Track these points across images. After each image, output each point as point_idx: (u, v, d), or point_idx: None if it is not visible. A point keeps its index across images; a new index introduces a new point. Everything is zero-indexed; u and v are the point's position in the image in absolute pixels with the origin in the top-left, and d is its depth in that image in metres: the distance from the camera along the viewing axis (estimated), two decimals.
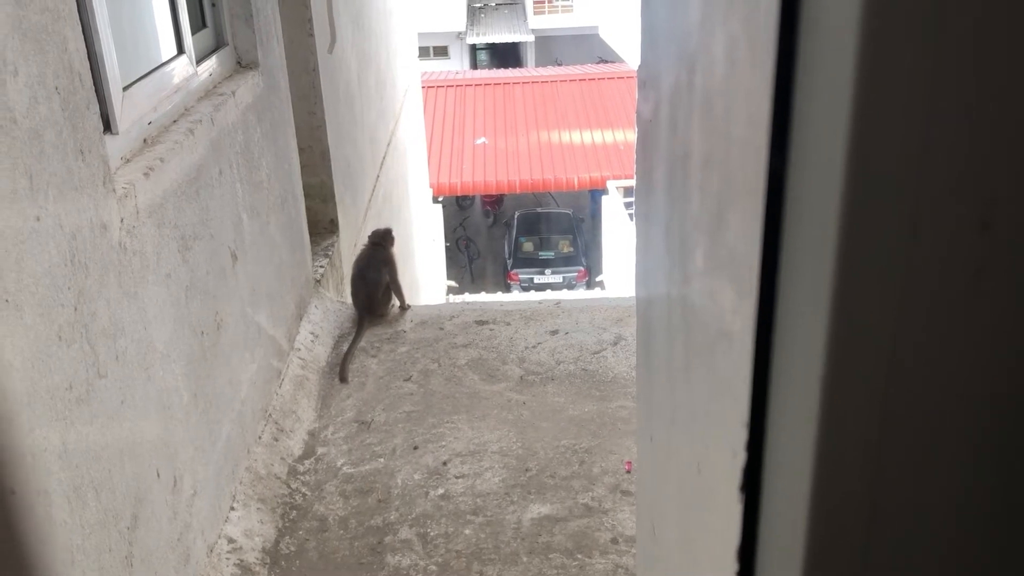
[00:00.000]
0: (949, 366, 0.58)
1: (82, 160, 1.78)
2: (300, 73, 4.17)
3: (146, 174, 2.14)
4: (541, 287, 15.78)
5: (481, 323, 4.11)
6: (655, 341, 1.18)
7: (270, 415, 3.16)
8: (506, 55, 27.48)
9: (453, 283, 13.11)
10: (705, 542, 0.93)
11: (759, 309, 0.69)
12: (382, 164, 6.39)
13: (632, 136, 14.39)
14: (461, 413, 3.41)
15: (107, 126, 2.07)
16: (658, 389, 1.17)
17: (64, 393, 1.67)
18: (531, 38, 26.31)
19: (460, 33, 25.84)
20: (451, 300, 11.01)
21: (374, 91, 6.16)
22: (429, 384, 3.63)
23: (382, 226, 4.41)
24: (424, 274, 8.87)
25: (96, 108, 1.88)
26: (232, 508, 2.67)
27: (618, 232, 12.31)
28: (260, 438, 3.02)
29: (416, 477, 3.04)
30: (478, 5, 27.54)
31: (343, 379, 3.67)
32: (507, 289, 16.39)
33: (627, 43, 18.58)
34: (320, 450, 3.21)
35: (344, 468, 3.10)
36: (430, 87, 17.17)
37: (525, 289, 15.88)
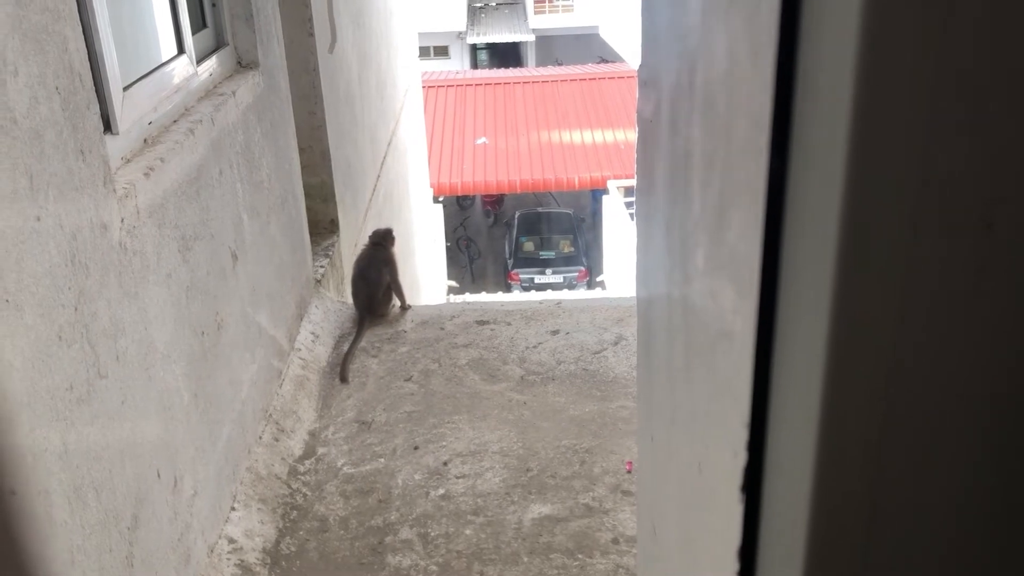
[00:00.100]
0: (950, 366, 0.58)
1: (82, 160, 1.78)
2: (300, 73, 4.17)
3: (146, 174, 2.14)
4: (542, 287, 15.77)
5: (482, 323, 4.11)
6: (656, 341, 1.17)
7: (271, 415, 3.16)
8: (506, 55, 27.48)
9: (454, 283, 13.11)
10: (706, 542, 0.93)
11: (760, 309, 0.69)
12: (382, 164, 6.39)
13: (633, 136, 14.38)
14: (462, 413, 3.41)
15: (107, 126, 2.07)
16: (659, 389, 1.17)
17: (64, 393, 1.67)
18: (531, 38, 26.31)
19: (460, 33, 25.84)
20: (452, 300, 11.01)
21: (374, 91, 6.16)
22: (430, 384, 3.63)
23: (383, 226, 4.40)
24: (425, 274, 8.87)
25: (96, 108, 1.88)
26: (233, 508, 2.67)
27: (619, 232, 12.31)
28: (261, 438, 3.02)
29: (417, 477, 3.04)
30: (478, 5, 27.55)
31: (344, 379, 3.67)
32: (508, 289, 16.39)
33: (628, 43, 18.57)
34: (321, 450, 3.20)
35: (345, 468, 3.10)
36: (431, 87, 17.17)
37: (526, 289, 15.88)
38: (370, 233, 4.32)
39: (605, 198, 13.75)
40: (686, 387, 0.99)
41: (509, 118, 16.95)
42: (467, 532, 2.76)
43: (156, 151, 2.28)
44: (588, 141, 15.97)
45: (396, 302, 4.23)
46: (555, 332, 4.00)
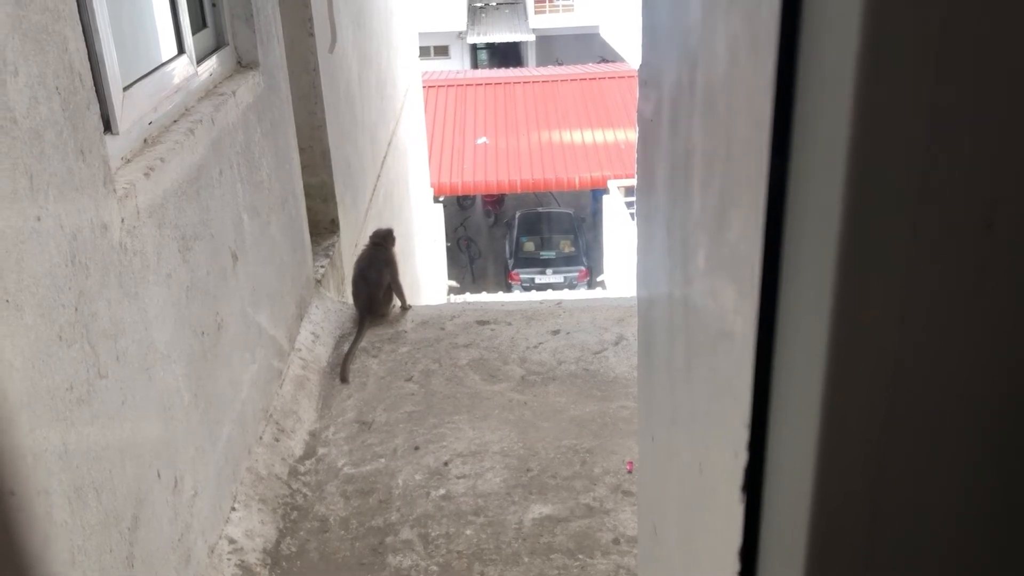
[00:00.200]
0: (950, 366, 0.58)
1: (82, 160, 1.78)
2: (300, 73, 4.17)
3: (146, 174, 2.14)
4: (542, 287, 15.77)
5: (482, 323, 4.11)
6: (656, 341, 1.17)
7: (271, 415, 3.16)
8: (507, 55, 27.48)
9: (454, 283, 13.11)
10: (707, 542, 0.92)
11: (761, 309, 0.69)
12: (383, 164, 6.39)
13: (633, 135, 14.39)
14: (462, 413, 3.41)
15: (107, 126, 2.07)
16: (659, 389, 1.17)
17: (65, 393, 1.66)
18: (532, 38, 26.32)
19: (461, 33, 25.85)
20: (452, 300, 11.01)
21: (375, 91, 6.16)
22: (430, 384, 3.62)
23: (383, 226, 4.40)
24: (425, 274, 8.87)
25: (96, 108, 1.88)
26: (233, 509, 2.67)
27: (619, 232, 12.31)
28: (261, 438, 3.02)
29: (417, 477, 3.04)
30: (479, 4, 27.55)
31: (344, 379, 3.67)
32: (508, 289, 16.39)
33: (628, 42, 18.58)
34: (321, 450, 3.20)
35: (345, 468, 3.10)
36: (431, 87, 17.17)
37: (526, 289, 15.88)
38: (371, 233, 4.32)
39: (605, 198, 13.75)
40: (687, 387, 0.99)
41: (509, 118, 16.95)
42: (468, 532, 2.76)
43: (156, 151, 2.28)
44: (588, 141, 15.97)
45: (396, 302, 4.23)
46: (556, 332, 4.00)
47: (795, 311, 0.64)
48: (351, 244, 4.85)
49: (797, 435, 0.64)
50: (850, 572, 0.64)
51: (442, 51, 26.12)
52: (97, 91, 1.95)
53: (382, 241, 4.21)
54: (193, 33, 2.80)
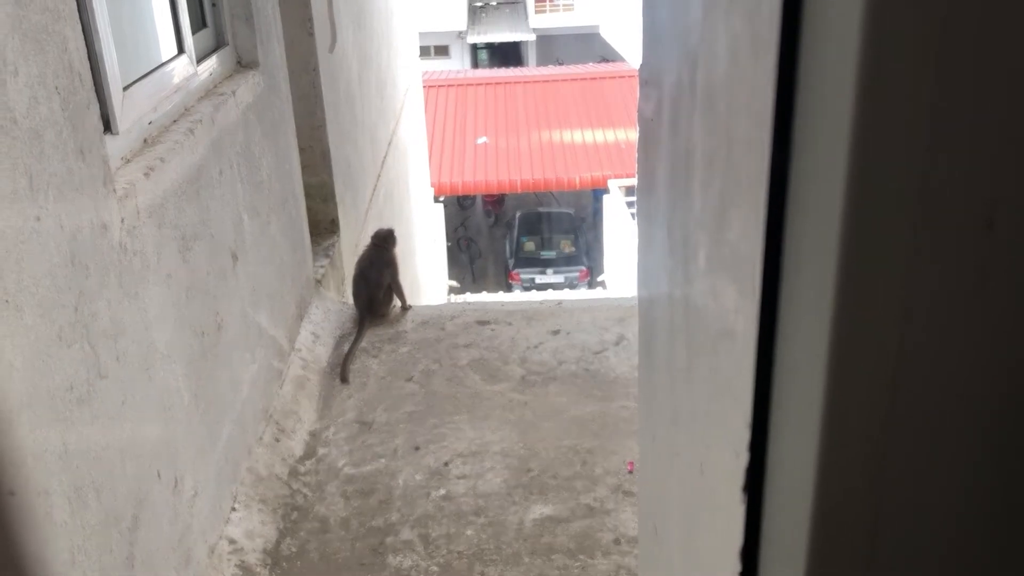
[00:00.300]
0: (951, 365, 0.58)
1: (82, 160, 1.78)
2: (300, 73, 4.17)
3: (146, 174, 2.14)
4: (543, 287, 15.77)
5: (483, 323, 4.11)
6: (657, 341, 1.17)
7: (271, 416, 3.16)
8: (507, 54, 27.47)
9: (454, 283, 13.11)
10: (707, 543, 0.92)
11: (762, 308, 0.69)
12: (383, 164, 6.39)
13: (633, 135, 14.38)
14: (463, 413, 3.40)
15: (107, 126, 2.06)
16: (660, 389, 1.17)
17: (65, 394, 1.66)
18: (532, 37, 26.31)
19: (461, 32, 25.85)
20: (452, 300, 11.01)
21: (375, 90, 6.16)
22: (430, 384, 3.62)
23: (384, 226, 4.40)
24: (425, 274, 8.87)
25: (96, 108, 1.88)
26: (233, 509, 2.67)
27: (620, 231, 12.31)
28: (261, 439, 3.02)
29: (418, 478, 3.03)
30: (479, 4, 27.55)
31: (344, 379, 3.67)
32: (508, 289, 16.38)
33: (628, 42, 18.58)
34: (321, 451, 3.20)
35: (345, 469, 3.09)
36: (431, 87, 17.16)
37: (527, 289, 15.87)
38: (372, 234, 4.32)
39: (606, 198, 13.75)
40: (687, 387, 0.99)
41: (510, 118, 16.95)
42: (468, 533, 2.76)
43: (156, 151, 2.28)
44: (589, 140, 15.96)
45: (397, 302, 4.23)
46: (556, 332, 4.00)
47: (796, 311, 0.64)
48: (351, 244, 4.85)
49: (798, 435, 0.64)
50: (851, 572, 0.64)
51: (442, 51, 26.11)
52: (97, 91, 1.94)
53: (383, 242, 4.21)
54: (193, 33, 2.80)
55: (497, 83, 18.51)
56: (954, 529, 0.62)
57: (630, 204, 11.96)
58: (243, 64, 3.24)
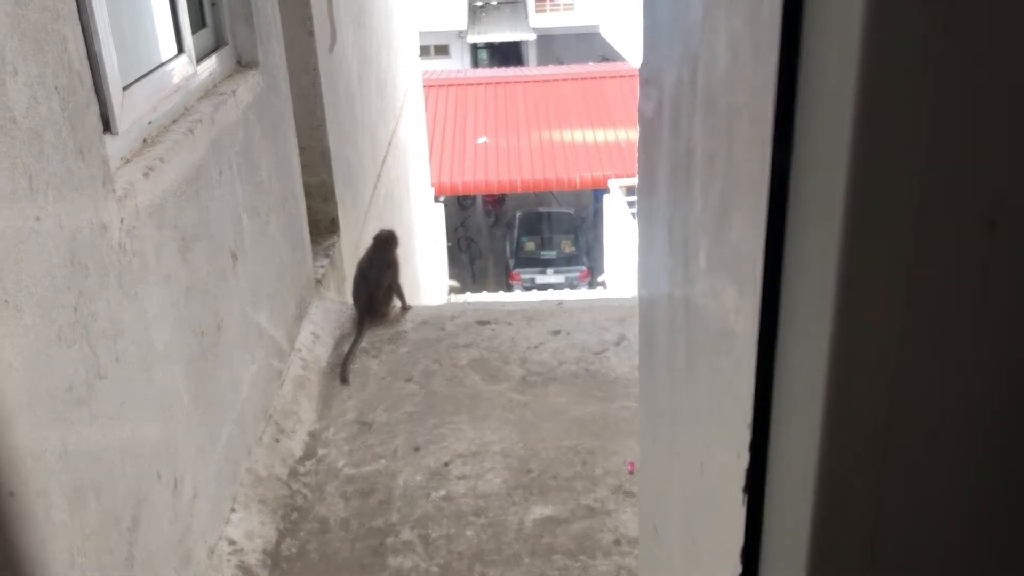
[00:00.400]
0: (952, 365, 0.58)
1: (82, 160, 1.78)
2: (300, 72, 4.17)
3: (146, 174, 2.14)
4: (543, 287, 15.77)
5: (483, 323, 4.11)
6: (658, 341, 1.17)
7: (271, 416, 3.16)
8: (507, 54, 27.47)
9: (455, 283, 13.11)
10: (708, 543, 0.92)
11: (762, 309, 0.69)
12: (383, 163, 6.39)
13: (634, 135, 14.37)
14: (463, 414, 3.40)
15: (107, 126, 2.06)
16: (661, 390, 1.17)
17: (64, 394, 1.66)
18: (532, 37, 26.32)
19: (461, 32, 25.85)
20: (452, 300, 11.01)
21: (375, 90, 6.15)
22: (430, 385, 3.62)
23: (385, 227, 4.40)
24: (425, 274, 8.87)
25: (96, 108, 1.88)
26: (233, 510, 2.67)
27: (620, 231, 12.31)
28: (261, 439, 3.02)
29: (418, 478, 3.03)
30: (479, 4, 27.55)
31: (344, 380, 3.66)
32: (509, 289, 16.38)
33: (629, 41, 18.58)
34: (321, 451, 3.20)
35: (345, 469, 3.09)
36: (431, 86, 17.16)
37: (527, 289, 15.87)
38: (374, 235, 4.32)
39: (606, 197, 13.74)
40: (688, 387, 0.98)
41: (510, 117, 16.95)
42: (468, 533, 2.76)
43: (156, 151, 2.27)
44: (589, 140, 15.96)
45: (397, 302, 4.23)
46: (556, 332, 4.00)
47: (797, 311, 0.64)
48: (351, 244, 4.85)
49: (799, 435, 0.64)
50: (852, 572, 0.64)
51: (442, 50, 26.11)
52: (96, 91, 1.94)
53: (384, 243, 4.21)
54: (193, 32, 2.79)
55: (497, 83, 18.51)
56: (954, 529, 0.62)
57: (630, 204, 11.96)
58: (243, 64, 3.23)
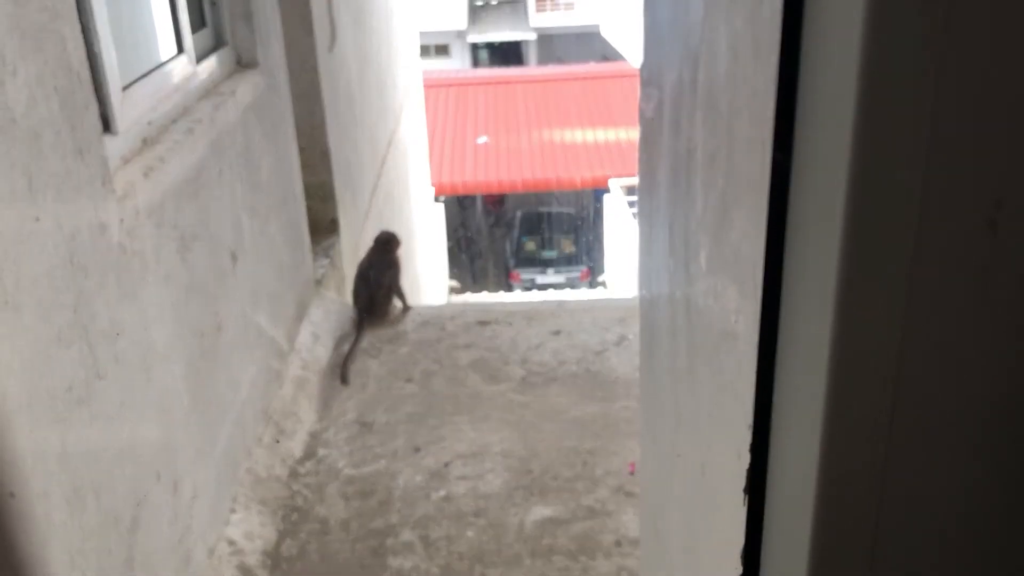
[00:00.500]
0: (953, 366, 0.58)
1: (81, 160, 1.78)
2: (300, 72, 4.17)
3: (145, 174, 2.13)
4: (543, 287, 15.78)
5: (483, 323, 4.11)
6: (658, 342, 1.17)
7: (271, 417, 3.16)
8: (507, 53, 27.47)
9: (455, 283, 13.11)
10: (709, 544, 0.92)
11: (763, 309, 0.68)
12: (383, 163, 6.39)
13: (634, 134, 14.37)
14: (463, 414, 3.40)
15: (106, 126, 2.06)
16: (661, 390, 1.17)
17: (63, 395, 1.66)
18: (533, 36, 26.31)
19: (461, 32, 25.85)
20: (453, 300, 11.01)
21: (375, 90, 6.15)
22: (431, 385, 3.62)
23: (385, 227, 4.41)
24: (426, 274, 8.87)
25: (95, 108, 1.88)
26: (233, 510, 2.67)
27: (621, 231, 12.31)
28: (261, 440, 3.02)
29: (418, 479, 3.03)
30: (479, 3, 27.54)
31: (344, 380, 3.66)
32: (509, 289, 16.38)
33: (629, 41, 18.58)
34: (321, 452, 3.20)
35: (345, 470, 3.09)
36: (431, 86, 17.13)
37: (527, 289, 15.88)
38: (375, 236, 4.32)
39: (607, 197, 13.74)
40: (689, 388, 0.98)
41: (510, 117, 16.95)
42: (469, 534, 2.76)
43: (155, 151, 2.27)
44: (590, 140, 15.96)
45: (397, 303, 4.23)
46: (556, 332, 4.00)
47: (798, 311, 0.64)
48: (351, 244, 4.85)
49: (800, 436, 0.64)
50: (853, 572, 0.64)
51: (442, 50, 26.10)
52: (96, 91, 1.94)
53: (386, 244, 4.21)
54: (192, 32, 2.79)
55: (497, 83, 18.51)
56: (954, 529, 0.62)
57: (631, 204, 11.96)
58: (243, 64, 3.23)
